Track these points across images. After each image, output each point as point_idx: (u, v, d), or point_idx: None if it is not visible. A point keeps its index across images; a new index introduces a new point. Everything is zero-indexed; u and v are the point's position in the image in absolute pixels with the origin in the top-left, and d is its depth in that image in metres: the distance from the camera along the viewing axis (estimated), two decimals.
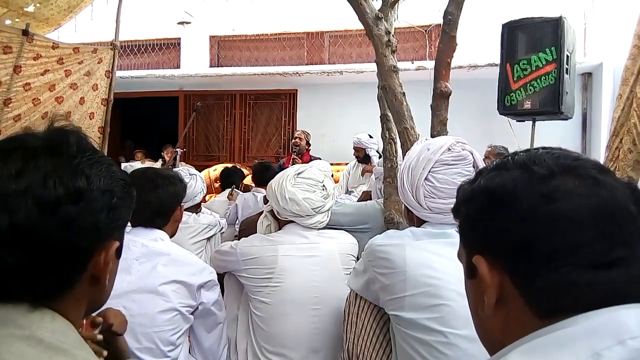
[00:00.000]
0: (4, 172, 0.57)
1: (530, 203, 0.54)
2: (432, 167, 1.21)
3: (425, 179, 1.21)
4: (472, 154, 1.25)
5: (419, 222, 1.28)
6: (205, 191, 2.75)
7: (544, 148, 0.61)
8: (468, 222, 0.63)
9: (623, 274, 0.51)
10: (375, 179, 2.53)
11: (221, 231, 2.88)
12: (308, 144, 5.37)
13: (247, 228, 2.77)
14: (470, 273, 0.62)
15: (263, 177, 3.83)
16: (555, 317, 0.52)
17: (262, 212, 2.96)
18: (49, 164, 0.59)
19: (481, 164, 1.25)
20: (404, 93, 2.18)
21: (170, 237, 1.61)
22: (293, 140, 5.37)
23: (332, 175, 4.19)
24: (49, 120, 0.67)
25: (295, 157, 5.08)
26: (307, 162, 4.59)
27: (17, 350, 0.54)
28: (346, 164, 5.24)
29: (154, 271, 1.46)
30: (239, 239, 1.81)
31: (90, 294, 0.66)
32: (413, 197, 1.23)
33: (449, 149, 1.23)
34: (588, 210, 0.52)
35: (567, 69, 3.30)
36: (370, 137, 4.68)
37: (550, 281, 0.53)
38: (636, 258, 0.52)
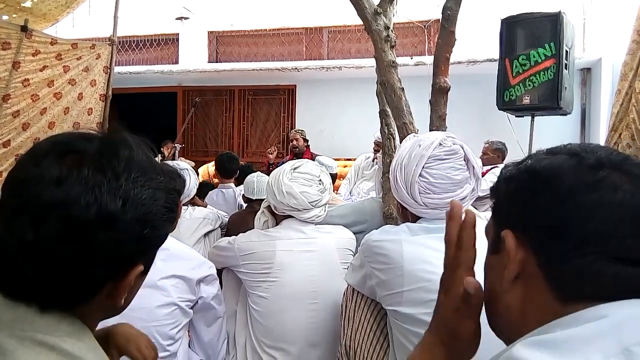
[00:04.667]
0: (47, 175, 0.55)
1: (573, 188, 0.54)
2: (425, 163, 1.21)
3: (420, 175, 1.21)
4: (462, 148, 1.26)
5: (414, 219, 1.28)
6: (197, 186, 2.73)
7: (597, 144, 0.61)
8: (506, 196, 0.63)
9: None
10: (379, 169, 2.53)
11: (221, 225, 2.87)
12: (306, 141, 5.33)
13: (236, 223, 2.77)
14: (495, 247, 0.62)
15: (228, 167, 3.66)
16: (575, 303, 0.53)
17: (246, 207, 2.96)
18: (91, 177, 0.56)
19: (472, 158, 1.26)
20: (402, 88, 2.17)
21: (170, 232, 1.61)
22: (291, 143, 5.33)
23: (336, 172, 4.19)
24: (110, 126, 0.65)
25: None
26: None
27: (32, 356, 0.53)
28: (346, 159, 5.24)
29: (154, 266, 1.45)
30: (228, 235, 1.81)
31: (106, 307, 0.64)
32: (408, 193, 1.23)
33: (440, 144, 1.23)
34: (629, 206, 0.52)
35: (566, 64, 3.30)
36: None
37: (576, 266, 0.53)
38: None
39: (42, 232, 0.53)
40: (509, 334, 0.60)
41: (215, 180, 5.20)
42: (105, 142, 0.61)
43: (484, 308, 0.65)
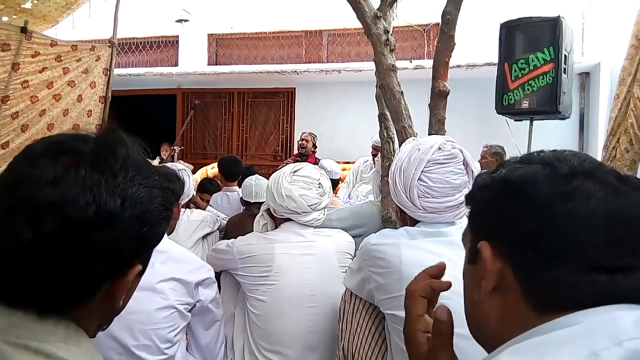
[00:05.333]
0: (43, 176, 0.55)
1: (547, 198, 0.55)
2: (424, 167, 1.21)
3: (419, 179, 1.21)
4: (462, 152, 1.26)
5: (412, 223, 1.28)
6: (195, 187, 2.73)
7: (570, 151, 0.61)
8: (481, 205, 0.63)
9: (628, 280, 0.52)
10: (377, 172, 2.53)
11: (219, 228, 2.87)
12: (314, 146, 5.43)
13: (234, 226, 2.77)
14: (472, 257, 0.62)
15: (233, 170, 3.67)
16: (552, 312, 0.53)
17: (244, 210, 2.97)
18: (88, 177, 0.56)
19: (471, 162, 1.26)
20: (402, 92, 2.18)
21: (168, 235, 1.61)
22: (300, 142, 5.40)
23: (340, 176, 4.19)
24: (105, 127, 0.65)
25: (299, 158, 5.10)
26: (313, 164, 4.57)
27: None
28: (345, 162, 5.24)
29: (152, 269, 1.44)
30: (226, 238, 1.81)
31: (104, 309, 0.64)
32: (407, 197, 1.23)
33: (440, 148, 1.23)
34: (602, 215, 0.53)
35: (564, 68, 3.31)
36: None
37: (552, 276, 0.53)
38: None
39: (40, 232, 0.53)
40: (488, 343, 0.61)
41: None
42: (101, 142, 0.61)
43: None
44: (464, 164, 1.25)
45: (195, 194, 3.39)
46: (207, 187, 3.75)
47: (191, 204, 3.26)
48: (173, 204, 0.70)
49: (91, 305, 0.60)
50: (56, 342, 0.55)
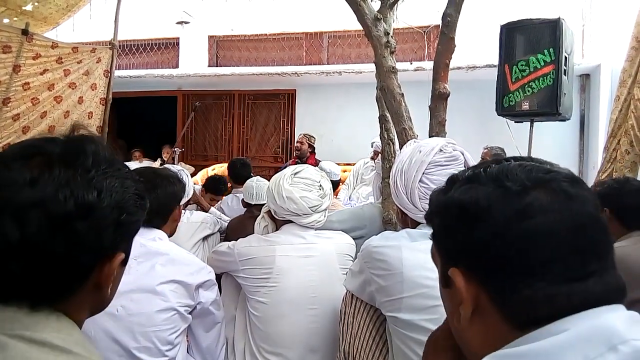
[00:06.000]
0: (20, 178, 0.57)
1: (504, 219, 0.54)
2: (425, 169, 1.21)
3: (420, 180, 1.21)
4: (463, 154, 1.26)
5: (414, 225, 1.28)
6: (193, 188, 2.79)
7: (515, 159, 0.61)
8: (441, 231, 0.63)
9: (599, 283, 0.52)
10: (377, 174, 2.53)
11: (220, 230, 2.87)
12: (311, 147, 5.29)
13: (235, 228, 2.78)
14: (445, 282, 0.62)
15: (240, 173, 3.69)
16: (533, 327, 0.52)
17: (245, 212, 2.99)
18: (63, 175, 0.59)
19: (472, 164, 1.26)
20: (402, 94, 2.18)
21: (169, 237, 1.61)
22: (295, 146, 5.33)
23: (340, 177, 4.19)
24: (71, 127, 0.68)
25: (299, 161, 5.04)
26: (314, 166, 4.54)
27: (23, 351, 0.55)
28: (345, 164, 5.24)
29: (153, 271, 1.46)
30: (227, 240, 1.81)
31: (93, 299, 0.67)
32: (408, 199, 1.23)
33: (441, 150, 1.23)
34: (561, 225, 0.53)
35: (565, 70, 3.31)
36: None
37: (526, 295, 0.53)
38: (609, 267, 0.53)
39: (27, 230, 0.56)
40: (474, 358, 0.61)
41: None
42: (70, 142, 0.64)
43: None
44: (465, 167, 1.25)
45: (198, 194, 3.41)
46: (219, 188, 3.77)
47: (195, 203, 3.28)
48: (178, 208, 0.73)
49: (80, 297, 0.64)
50: (49, 332, 0.58)
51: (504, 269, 0.54)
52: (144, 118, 7.69)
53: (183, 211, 2.55)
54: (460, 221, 0.59)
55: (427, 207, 1.20)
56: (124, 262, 0.69)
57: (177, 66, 6.83)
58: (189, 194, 2.62)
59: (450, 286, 0.60)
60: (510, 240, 0.54)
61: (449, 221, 0.61)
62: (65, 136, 0.65)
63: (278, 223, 1.78)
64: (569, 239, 0.52)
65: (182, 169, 2.67)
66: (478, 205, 0.57)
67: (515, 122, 3.92)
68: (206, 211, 3.20)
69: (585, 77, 5.43)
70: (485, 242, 0.55)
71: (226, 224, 2.96)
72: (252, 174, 3.65)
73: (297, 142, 5.31)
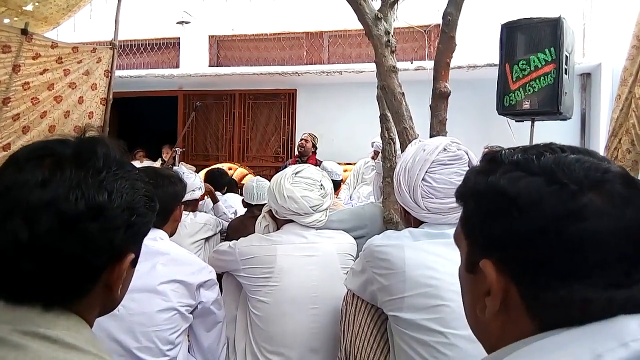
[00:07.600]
0: (32, 179, 0.58)
1: (555, 217, 0.51)
2: (429, 168, 1.21)
3: (423, 179, 1.21)
4: (467, 153, 1.26)
5: (417, 224, 1.28)
6: (203, 189, 2.84)
7: (571, 150, 0.57)
8: (478, 218, 0.59)
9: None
10: (377, 174, 2.53)
11: (221, 230, 2.89)
12: (314, 147, 5.38)
13: (236, 228, 2.79)
14: (471, 268, 0.59)
15: (218, 183, 3.91)
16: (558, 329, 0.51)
17: (245, 212, 3.01)
18: (74, 176, 0.60)
19: (476, 164, 1.25)
20: (403, 93, 2.18)
21: (170, 237, 1.61)
22: (299, 142, 5.38)
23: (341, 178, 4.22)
24: (82, 129, 0.68)
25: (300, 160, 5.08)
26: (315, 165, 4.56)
27: (35, 349, 0.55)
28: (346, 163, 5.23)
29: (154, 270, 1.46)
30: (228, 240, 1.81)
31: (103, 300, 0.67)
32: (411, 198, 1.23)
33: (445, 149, 1.23)
34: (614, 232, 0.50)
35: (566, 69, 3.31)
36: None
37: (561, 296, 0.51)
38: None
39: (38, 230, 0.56)
40: (488, 346, 0.60)
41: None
42: (82, 143, 0.65)
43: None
44: (468, 166, 1.24)
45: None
46: (219, 181, 3.92)
47: (207, 195, 3.32)
48: (179, 208, 0.74)
49: (91, 297, 0.64)
50: (60, 330, 0.58)
51: (543, 267, 0.52)
52: (145, 118, 7.70)
53: (186, 213, 2.57)
54: (502, 210, 0.55)
55: (429, 205, 1.22)
56: (134, 262, 0.70)
57: (177, 66, 6.83)
58: (201, 189, 2.76)
59: (476, 273, 0.58)
60: (558, 239, 0.51)
61: (487, 207, 0.57)
62: (77, 137, 0.66)
63: (279, 223, 1.78)
64: (618, 245, 0.50)
65: (188, 171, 2.72)
66: (529, 198, 0.53)
67: (516, 121, 3.92)
68: (216, 202, 3.32)
69: (586, 76, 5.43)
70: (528, 237, 0.52)
71: (227, 223, 2.97)
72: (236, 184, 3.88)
73: (302, 139, 5.37)
